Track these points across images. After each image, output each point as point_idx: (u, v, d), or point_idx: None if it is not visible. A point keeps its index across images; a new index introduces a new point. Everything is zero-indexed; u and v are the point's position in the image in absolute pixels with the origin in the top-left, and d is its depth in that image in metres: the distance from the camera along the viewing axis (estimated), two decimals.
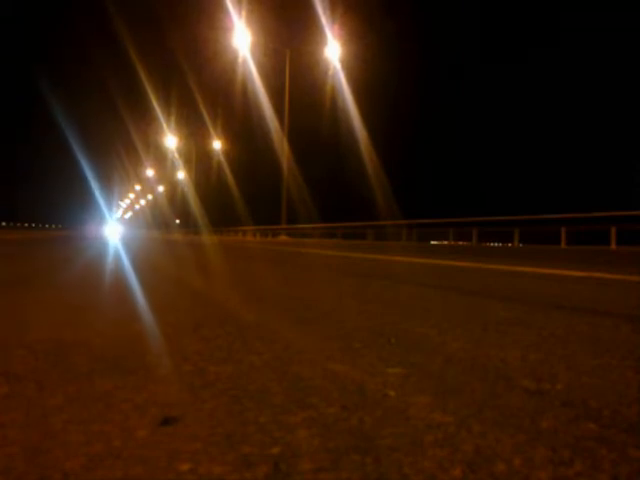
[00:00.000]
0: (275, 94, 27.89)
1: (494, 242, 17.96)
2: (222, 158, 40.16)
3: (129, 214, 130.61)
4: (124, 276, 4.04)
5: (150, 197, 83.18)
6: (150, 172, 66.04)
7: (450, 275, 4.84)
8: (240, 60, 26.53)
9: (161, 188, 67.56)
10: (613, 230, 12.88)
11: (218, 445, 0.87)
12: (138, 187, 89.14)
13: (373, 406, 1.07)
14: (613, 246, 12.75)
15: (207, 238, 26.10)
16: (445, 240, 18.77)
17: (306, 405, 1.07)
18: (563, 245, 14.05)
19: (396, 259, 7.42)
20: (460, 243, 18.22)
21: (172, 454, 0.84)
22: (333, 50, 25.20)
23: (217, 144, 40.39)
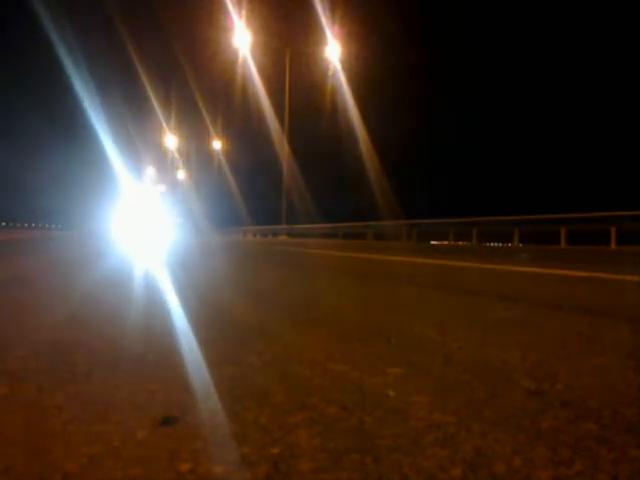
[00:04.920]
0: (276, 94, 27.90)
1: (494, 242, 17.95)
2: (222, 158, 40.13)
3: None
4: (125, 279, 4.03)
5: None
6: (150, 172, 65.83)
7: (450, 275, 4.84)
8: (240, 60, 26.55)
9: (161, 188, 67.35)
10: (613, 230, 12.88)
11: (218, 445, 0.87)
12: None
13: (373, 406, 1.07)
14: (613, 246, 12.75)
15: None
16: (445, 240, 18.77)
17: (306, 405, 1.07)
18: (563, 245, 14.04)
19: (396, 259, 7.42)
20: (460, 243, 18.22)
21: (172, 454, 0.84)
22: (333, 50, 25.20)
23: (217, 144, 40.37)
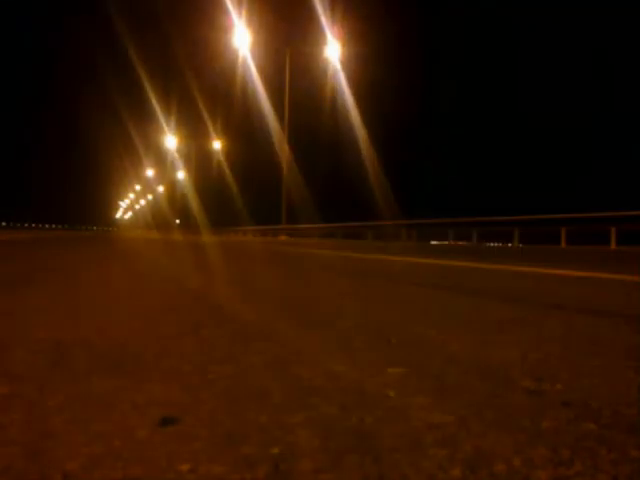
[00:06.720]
0: (276, 94, 27.85)
1: (494, 242, 17.95)
2: (222, 158, 40.07)
3: (129, 214, 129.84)
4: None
5: (150, 197, 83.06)
6: (150, 172, 65.75)
7: (450, 275, 4.84)
8: (240, 60, 26.49)
9: (161, 188, 67.29)
10: (613, 230, 12.88)
11: (218, 445, 0.87)
12: (138, 187, 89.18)
13: (373, 406, 1.07)
14: (613, 246, 12.75)
15: (208, 238, 26.07)
16: (445, 240, 18.76)
17: (306, 405, 1.07)
18: (563, 245, 14.04)
19: (396, 259, 7.42)
20: (460, 243, 18.22)
21: (172, 454, 0.84)
22: (333, 50, 25.12)
23: (217, 144, 40.30)
